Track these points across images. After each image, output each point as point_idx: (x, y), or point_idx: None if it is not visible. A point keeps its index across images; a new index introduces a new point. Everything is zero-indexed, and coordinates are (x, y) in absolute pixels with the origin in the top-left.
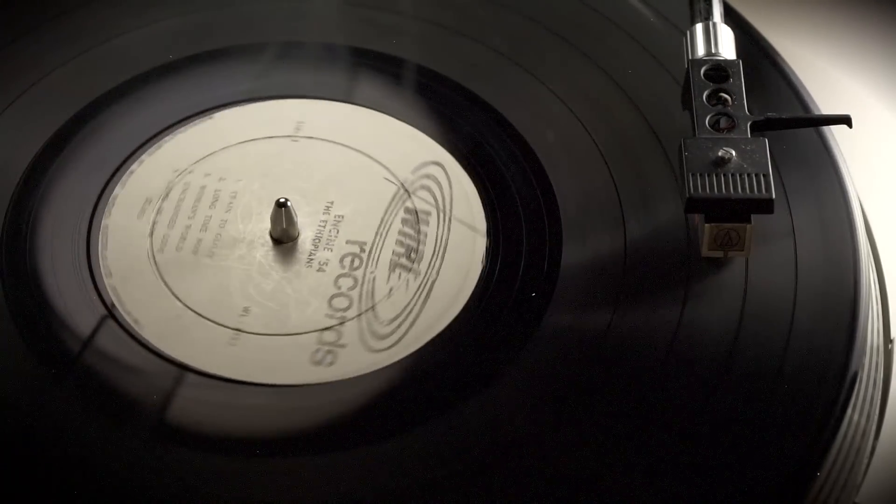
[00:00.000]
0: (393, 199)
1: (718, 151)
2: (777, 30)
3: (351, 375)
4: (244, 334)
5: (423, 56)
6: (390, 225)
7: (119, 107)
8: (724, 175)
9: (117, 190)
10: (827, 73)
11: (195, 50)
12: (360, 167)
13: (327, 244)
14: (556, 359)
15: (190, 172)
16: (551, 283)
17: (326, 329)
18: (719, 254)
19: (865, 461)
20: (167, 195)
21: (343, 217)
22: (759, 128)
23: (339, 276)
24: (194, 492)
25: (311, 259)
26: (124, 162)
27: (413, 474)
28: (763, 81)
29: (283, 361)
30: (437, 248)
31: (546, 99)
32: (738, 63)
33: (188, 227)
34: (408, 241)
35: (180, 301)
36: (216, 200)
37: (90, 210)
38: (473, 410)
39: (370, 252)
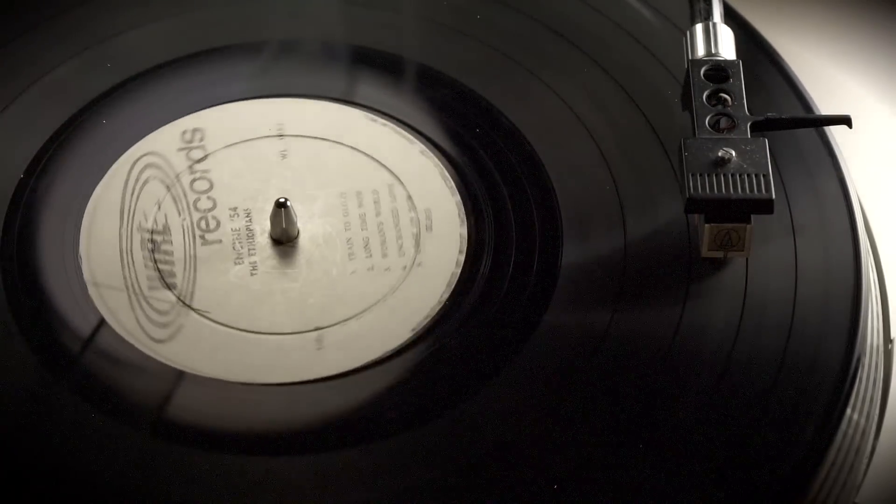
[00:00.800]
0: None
1: (718, 152)
2: (777, 30)
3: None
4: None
5: (423, 55)
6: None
7: (119, 106)
8: (724, 175)
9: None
10: (827, 73)
11: (195, 49)
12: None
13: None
14: (556, 359)
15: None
16: (551, 283)
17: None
18: (719, 254)
19: (865, 461)
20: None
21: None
22: (759, 128)
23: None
24: (194, 492)
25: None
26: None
27: (412, 474)
28: (763, 81)
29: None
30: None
31: (546, 98)
32: (738, 63)
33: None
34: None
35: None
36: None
37: (90, 209)
38: (473, 410)
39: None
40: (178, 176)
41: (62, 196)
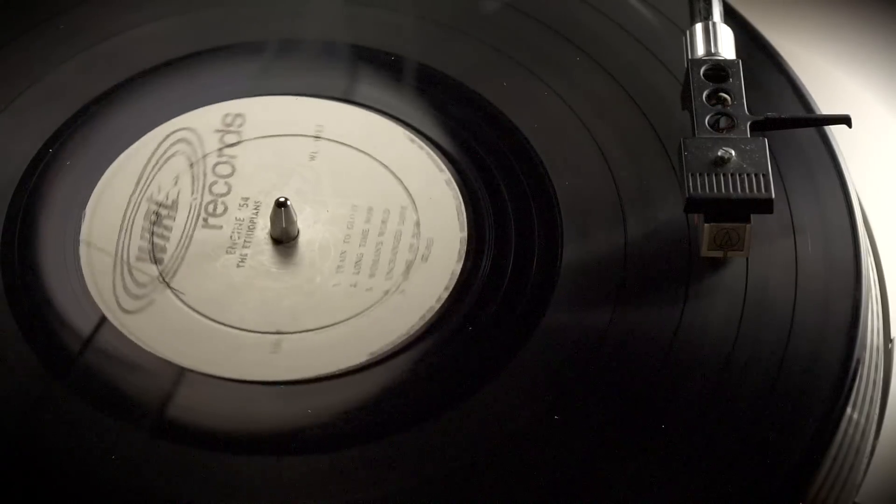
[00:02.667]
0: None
1: (718, 151)
2: (777, 30)
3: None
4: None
5: (423, 55)
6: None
7: (119, 106)
8: (724, 175)
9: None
10: (827, 73)
11: (195, 49)
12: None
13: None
14: (556, 358)
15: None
16: (551, 283)
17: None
18: (719, 254)
19: (865, 461)
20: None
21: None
22: (758, 128)
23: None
24: (194, 491)
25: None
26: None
27: (412, 474)
28: (763, 81)
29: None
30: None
31: (546, 98)
32: (738, 63)
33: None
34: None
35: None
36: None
37: (90, 210)
38: (473, 410)
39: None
40: (205, 156)
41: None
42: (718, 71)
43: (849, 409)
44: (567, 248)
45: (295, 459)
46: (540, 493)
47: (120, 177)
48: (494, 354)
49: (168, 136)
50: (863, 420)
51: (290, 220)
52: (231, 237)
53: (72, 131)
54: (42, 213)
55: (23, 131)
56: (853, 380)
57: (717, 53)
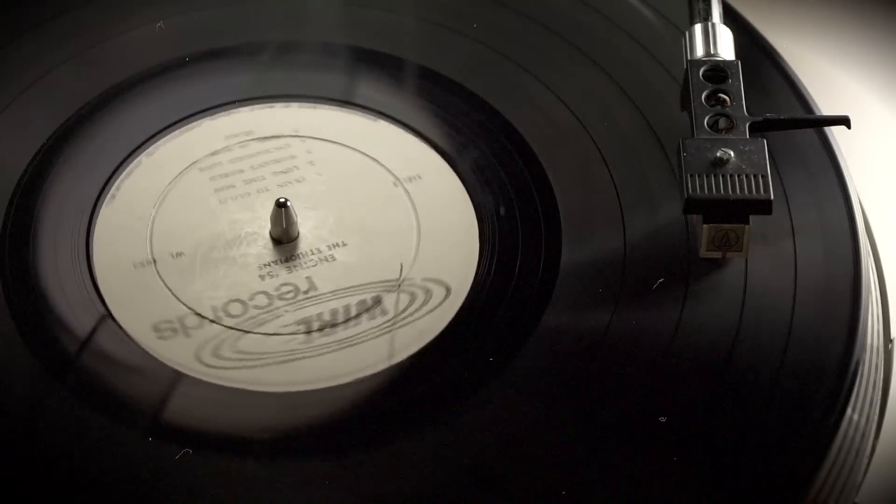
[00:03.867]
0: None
1: (717, 152)
2: (777, 30)
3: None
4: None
5: (423, 56)
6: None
7: (119, 106)
8: (723, 176)
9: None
10: (827, 73)
11: (195, 49)
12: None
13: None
14: (555, 358)
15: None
16: (551, 283)
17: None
18: (717, 254)
19: (865, 461)
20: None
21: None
22: (757, 128)
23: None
24: (193, 492)
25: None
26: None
27: (412, 476)
28: (763, 81)
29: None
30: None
31: (546, 98)
32: (737, 64)
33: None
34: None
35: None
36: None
37: (90, 210)
38: (473, 410)
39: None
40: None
41: (62, 195)
42: (718, 72)
43: (849, 410)
44: (567, 249)
45: (294, 462)
46: (540, 493)
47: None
48: (494, 354)
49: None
50: (863, 421)
51: (290, 221)
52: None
53: (72, 131)
54: (42, 212)
55: (23, 131)
56: (853, 381)
57: (716, 54)
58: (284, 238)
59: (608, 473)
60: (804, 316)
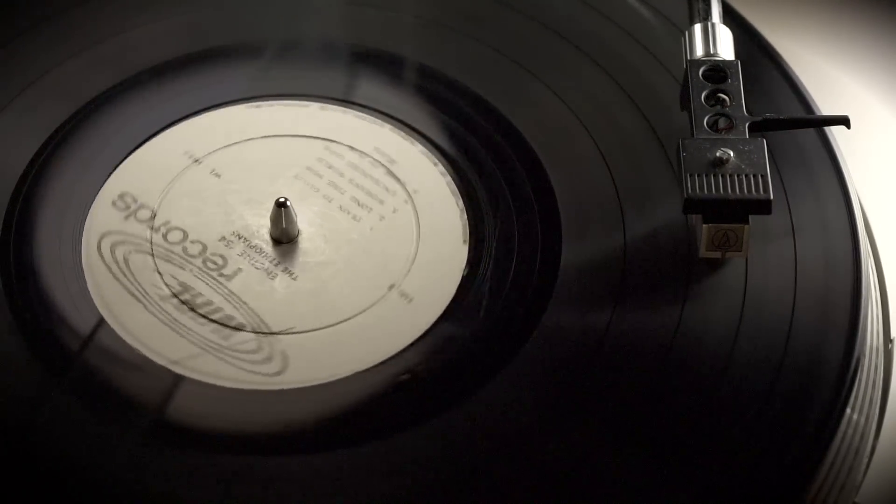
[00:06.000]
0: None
1: (716, 152)
2: (777, 30)
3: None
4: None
5: (423, 55)
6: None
7: (118, 105)
8: (722, 176)
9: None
10: (827, 73)
11: (195, 49)
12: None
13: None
14: (555, 358)
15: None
16: (551, 283)
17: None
18: (717, 254)
19: (865, 461)
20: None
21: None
22: (757, 128)
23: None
24: (192, 492)
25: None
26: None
27: (412, 474)
28: (763, 81)
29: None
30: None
31: (546, 98)
32: (737, 63)
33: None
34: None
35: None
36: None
37: (90, 209)
38: (473, 410)
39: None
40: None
41: (62, 195)
42: (717, 72)
43: (848, 410)
44: (567, 248)
45: (294, 461)
46: (540, 493)
47: (121, 303)
48: (494, 354)
49: (99, 246)
50: (862, 420)
51: (290, 221)
52: (255, 267)
53: (72, 131)
54: (42, 212)
55: (23, 130)
56: (853, 380)
57: (715, 54)
58: (284, 238)
59: (608, 473)
60: (804, 316)
